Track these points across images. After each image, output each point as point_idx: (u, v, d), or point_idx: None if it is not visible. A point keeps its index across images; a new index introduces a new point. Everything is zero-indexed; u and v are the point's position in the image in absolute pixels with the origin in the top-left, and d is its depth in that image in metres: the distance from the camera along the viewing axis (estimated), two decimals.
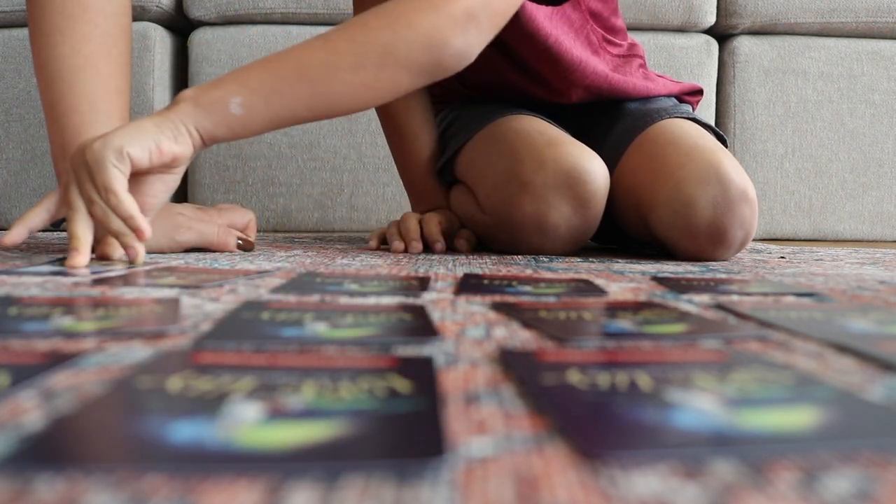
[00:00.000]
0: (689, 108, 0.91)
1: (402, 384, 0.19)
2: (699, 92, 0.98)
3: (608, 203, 0.79)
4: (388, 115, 0.90)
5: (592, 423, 0.16)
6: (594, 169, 0.73)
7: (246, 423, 0.16)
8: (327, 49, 0.62)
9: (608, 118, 0.88)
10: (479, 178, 0.84)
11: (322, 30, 0.65)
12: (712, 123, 1.29)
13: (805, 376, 0.21)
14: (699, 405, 0.18)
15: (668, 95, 0.92)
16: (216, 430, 0.15)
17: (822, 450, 0.15)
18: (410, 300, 0.38)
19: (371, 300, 0.38)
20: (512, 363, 0.22)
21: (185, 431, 0.15)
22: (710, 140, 0.78)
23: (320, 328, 0.28)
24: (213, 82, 0.61)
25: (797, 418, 0.17)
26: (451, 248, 0.83)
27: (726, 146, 0.82)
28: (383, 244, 0.85)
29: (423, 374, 0.21)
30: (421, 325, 0.30)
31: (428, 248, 0.80)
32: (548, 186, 0.73)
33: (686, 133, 0.79)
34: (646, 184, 0.77)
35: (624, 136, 0.84)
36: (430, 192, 0.92)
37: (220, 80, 0.61)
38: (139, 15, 1.51)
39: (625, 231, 0.87)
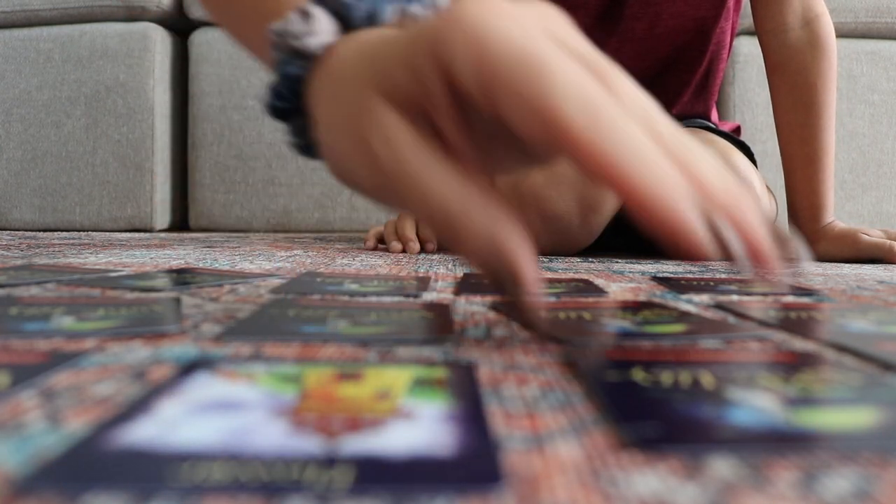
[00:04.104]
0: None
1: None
2: (736, 129, 1.02)
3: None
4: None
5: (650, 417, 0.17)
6: None
7: None
8: None
9: None
10: None
11: None
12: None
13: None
14: (759, 404, 0.18)
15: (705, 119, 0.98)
16: None
17: (822, 450, 0.15)
18: (410, 300, 0.38)
19: (372, 300, 0.38)
20: (578, 359, 0.23)
21: None
22: (729, 143, 0.82)
23: (341, 325, 0.29)
24: None
25: (857, 418, 0.17)
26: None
27: (755, 164, 0.86)
28: (381, 243, 0.85)
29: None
30: (440, 324, 0.30)
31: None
32: (566, 176, 0.75)
33: (707, 133, 0.83)
34: None
35: None
36: None
37: None
38: (139, 15, 1.51)
39: (628, 228, 0.88)
